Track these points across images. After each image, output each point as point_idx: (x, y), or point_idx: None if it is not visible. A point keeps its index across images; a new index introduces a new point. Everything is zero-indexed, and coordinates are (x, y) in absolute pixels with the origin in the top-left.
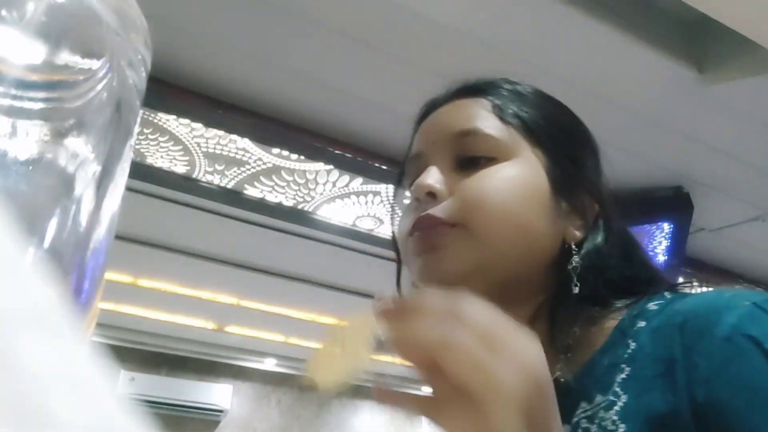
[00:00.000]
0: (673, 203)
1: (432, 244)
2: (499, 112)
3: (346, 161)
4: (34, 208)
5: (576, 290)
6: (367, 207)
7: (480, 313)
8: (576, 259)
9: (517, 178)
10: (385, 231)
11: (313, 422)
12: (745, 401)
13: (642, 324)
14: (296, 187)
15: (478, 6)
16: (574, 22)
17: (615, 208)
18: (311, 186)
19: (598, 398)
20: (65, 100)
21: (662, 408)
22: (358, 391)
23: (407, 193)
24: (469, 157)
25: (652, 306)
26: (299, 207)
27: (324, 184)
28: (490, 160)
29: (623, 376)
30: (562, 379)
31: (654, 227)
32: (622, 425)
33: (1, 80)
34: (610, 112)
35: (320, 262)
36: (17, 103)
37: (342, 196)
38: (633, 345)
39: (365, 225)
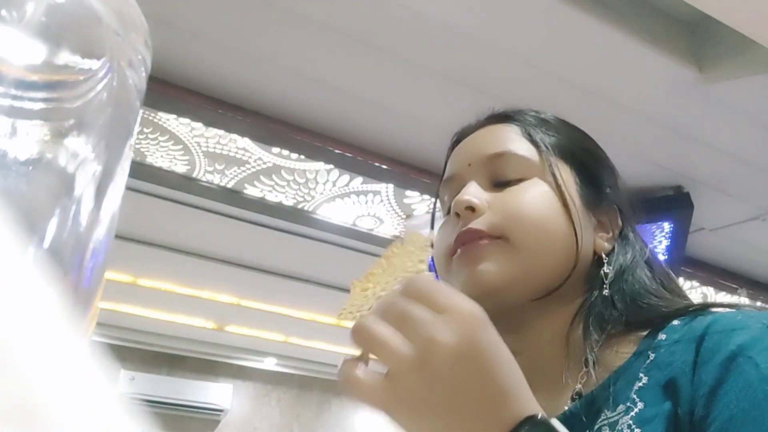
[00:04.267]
0: (673, 203)
1: (476, 256)
2: (528, 136)
3: (346, 161)
4: (34, 208)
5: (606, 292)
6: (367, 206)
7: (418, 281)
8: (607, 267)
9: (550, 192)
10: (385, 230)
11: (313, 421)
12: (732, 420)
13: (663, 337)
14: (296, 187)
15: (479, 6)
16: (575, 22)
17: (636, 224)
18: (311, 185)
19: (620, 407)
20: (65, 100)
21: (671, 419)
22: None
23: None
24: (503, 177)
25: (676, 322)
26: (299, 206)
27: (324, 184)
28: (522, 180)
29: (640, 384)
30: (584, 391)
31: (654, 227)
32: (638, 429)
33: (1, 80)
34: (610, 111)
35: (320, 262)
36: (17, 103)
37: (342, 196)
38: (652, 356)
39: (365, 224)
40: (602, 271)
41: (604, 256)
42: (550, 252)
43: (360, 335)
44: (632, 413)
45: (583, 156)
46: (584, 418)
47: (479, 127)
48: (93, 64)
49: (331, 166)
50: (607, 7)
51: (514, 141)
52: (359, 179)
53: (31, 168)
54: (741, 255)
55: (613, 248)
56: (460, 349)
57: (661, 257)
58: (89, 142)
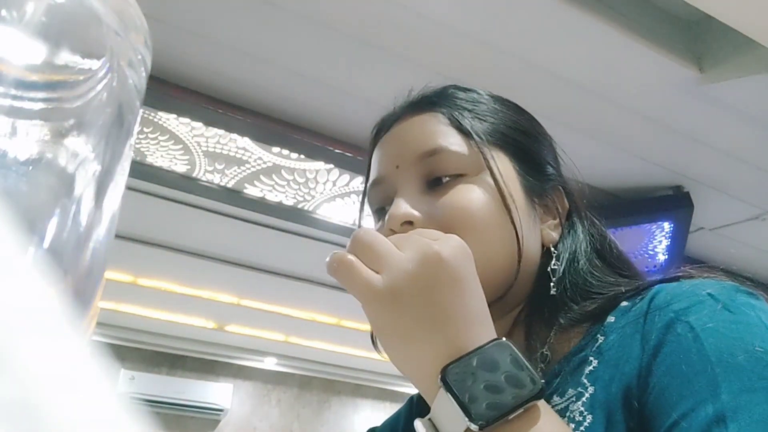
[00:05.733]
0: (673, 202)
1: None
2: (458, 125)
3: (346, 160)
4: (34, 208)
5: (553, 291)
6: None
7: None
8: (555, 262)
9: (487, 192)
10: None
11: (313, 421)
12: (669, 387)
13: (611, 319)
14: (296, 186)
15: (478, 5)
16: (574, 21)
17: (584, 200)
18: (311, 185)
19: (569, 392)
20: (65, 100)
21: (623, 400)
22: (358, 390)
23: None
24: (436, 177)
25: (624, 303)
26: (299, 206)
27: (324, 183)
28: (458, 176)
29: (590, 368)
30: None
31: (654, 226)
32: (589, 416)
33: (1, 80)
34: (610, 111)
35: (320, 262)
36: (17, 103)
37: (342, 195)
38: (601, 339)
39: (365, 224)
40: (549, 269)
41: (552, 249)
42: (494, 261)
43: (359, 243)
44: (583, 398)
45: (520, 137)
46: None
47: (401, 116)
48: (93, 64)
49: (331, 166)
50: (607, 6)
51: (444, 134)
52: (359, 179)
53: (31, 168)
54: (741, 255)
55: (561, 236)
56: (452, 262)
57: (661, 257)
58: (89, 142)
